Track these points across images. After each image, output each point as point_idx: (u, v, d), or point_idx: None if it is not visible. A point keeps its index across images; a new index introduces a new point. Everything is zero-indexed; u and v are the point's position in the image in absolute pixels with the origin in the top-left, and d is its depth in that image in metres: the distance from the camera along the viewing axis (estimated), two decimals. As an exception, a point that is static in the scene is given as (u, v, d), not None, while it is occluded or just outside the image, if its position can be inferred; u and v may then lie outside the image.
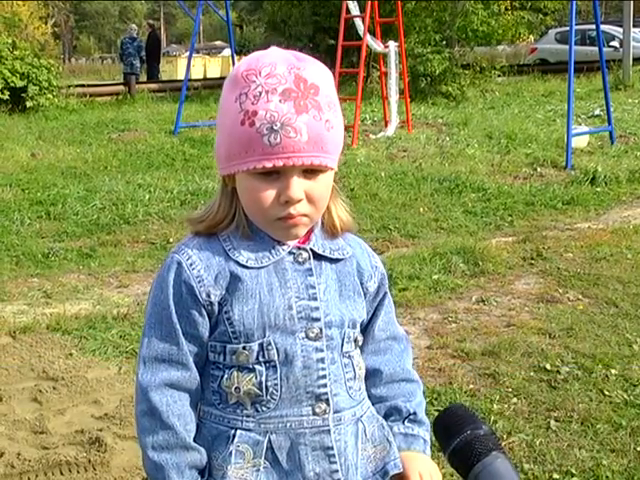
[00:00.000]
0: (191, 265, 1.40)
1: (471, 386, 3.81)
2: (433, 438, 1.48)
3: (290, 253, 1.42)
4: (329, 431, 1.42)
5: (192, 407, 1.42)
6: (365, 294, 1.51)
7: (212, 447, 1.42)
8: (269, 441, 1.39)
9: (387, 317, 1.57)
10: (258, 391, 1.39)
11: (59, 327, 4.68)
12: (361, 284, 1.50)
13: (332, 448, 1.42)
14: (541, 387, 3.79)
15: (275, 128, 1.30)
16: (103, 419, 3.58)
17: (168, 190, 8.33)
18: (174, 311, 1.40)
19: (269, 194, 1.35)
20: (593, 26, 13.97)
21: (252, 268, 1.40)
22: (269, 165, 1.32)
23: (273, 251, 1.41)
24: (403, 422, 1.53)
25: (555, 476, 3.02)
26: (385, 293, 1.57)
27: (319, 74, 1.36)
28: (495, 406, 3.58)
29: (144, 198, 8.00)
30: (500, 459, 1.13)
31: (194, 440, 1.42)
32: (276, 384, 1.40)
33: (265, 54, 1.37)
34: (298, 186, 1.35)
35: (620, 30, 20.22)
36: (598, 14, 10.59)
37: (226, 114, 1.37)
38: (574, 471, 3.05)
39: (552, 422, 3.44)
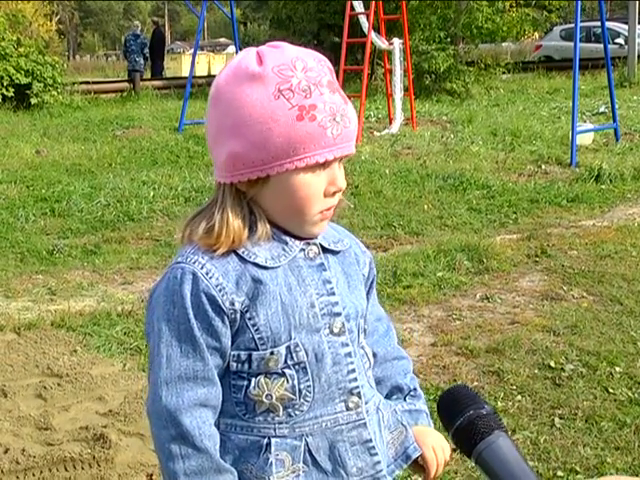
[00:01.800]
0: (207, 274, 1.32)
1: (475, 383, 3.80)
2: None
3: (301, 249, 1.39)
4: (365, 424, 1.41)
5: (215, 424, 1.37)
6: (364, 281, 1.51)
7: (241, 459, 1.37)
8: (306, 444, 1.36)
9: (374, 300, 1.57)
10: (292, 395, 1.36)
11: (64, 324, 4.69)
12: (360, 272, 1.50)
13: (371, 440, 1.41)
14: (545, 385, 3.78)
15: (337, 120, 1.30)
16: (107, 416, 3.58)
17: (172, 187, 8.33)
18: (195, 325, 1.32)
19: (320, 187, 1.33)
20: (598, 23, 13.95)
21: (270, 268, 1.35)
22: (330, 157, 1.31)
23: (287, 248, 1.37)
24: (405, 399, 1.55)
25: (559, 474, 3.02)
26: (374, 277, 1.56)
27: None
28: (499, 403, 3.58)
29: (148, 195, 8.01)
30: (502, 437, 1.15)
31: (220, 456, 1.36)
32: (309, 385, 1.36)
33: (282, 48, 1.33)
34: (341, 175, 1.36)
35: (625, 27, 20.19)
36: (603, 11, 10.56)
37: (260, 113, 1.29)
38: (578, 469, 3.05)
39: (556, 420, 3.43)
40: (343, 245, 1.47)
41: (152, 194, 8.04)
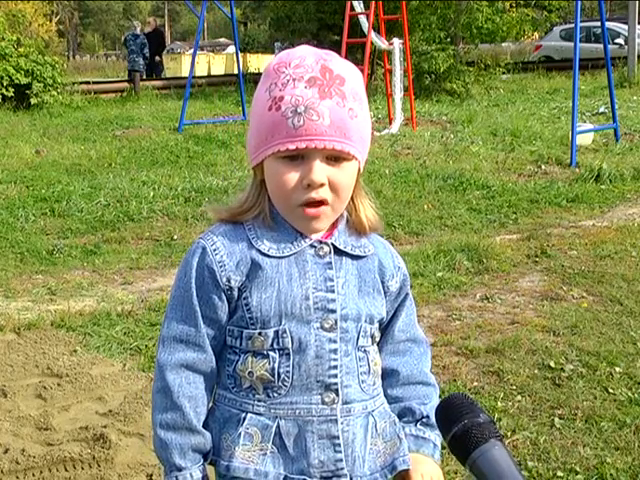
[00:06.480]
0: (215, 250, 1.44)
1: (475, 383, 3.81)
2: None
3: (312, 246, 1.46)
4: (336, 421, 1.45)
5: (206, 390, 1.47)
6: (385, 293, 1.53)
7: (223, 429, 1.47)
8: (278, 426, 1.43)
9: (408, 319, 1.59)
10: (270, 377, 1.43)
11: (63, 324, 4.69)
12: (382, 282, 1.52)
13: (338, 437, 1.44)
14: (545, 385, 3.78)
15: (299, 111, 1.35)
16: (107, 416, 3.58)
17: (172, 187, 8.33)
18: (195, 294, 1.44)
19: (292, 177, 1.39)
20: (598, 23, 13.95)
21: (273, 257, 1.44)
22: (292, 147, 1.36)
23: (295, 242, 1.45)
24: (415, 424, 1.55)
25: (559, 474, 3.02)
26: (407, 294, 1.59)
27: (346, 68, 1.41)
28: (499, 404, 3.58)
29: (148, 195, 8.00)
30: (497, 447, 1.16)
31: (207, 422, 1.47)
32: (288, 371, 1.43)
33: (296, 49, 1.43)
34: (320, 170, 1.38)
35: (625, 27, 20.18)
36: (603, 11, 10.56)
37: (256, 105, 1.43)
38: (578, 469, 3.05)
39: (556, 420, 3.43)
40: (363, 251, 1.51)
41: (152, 194, 8.04)
